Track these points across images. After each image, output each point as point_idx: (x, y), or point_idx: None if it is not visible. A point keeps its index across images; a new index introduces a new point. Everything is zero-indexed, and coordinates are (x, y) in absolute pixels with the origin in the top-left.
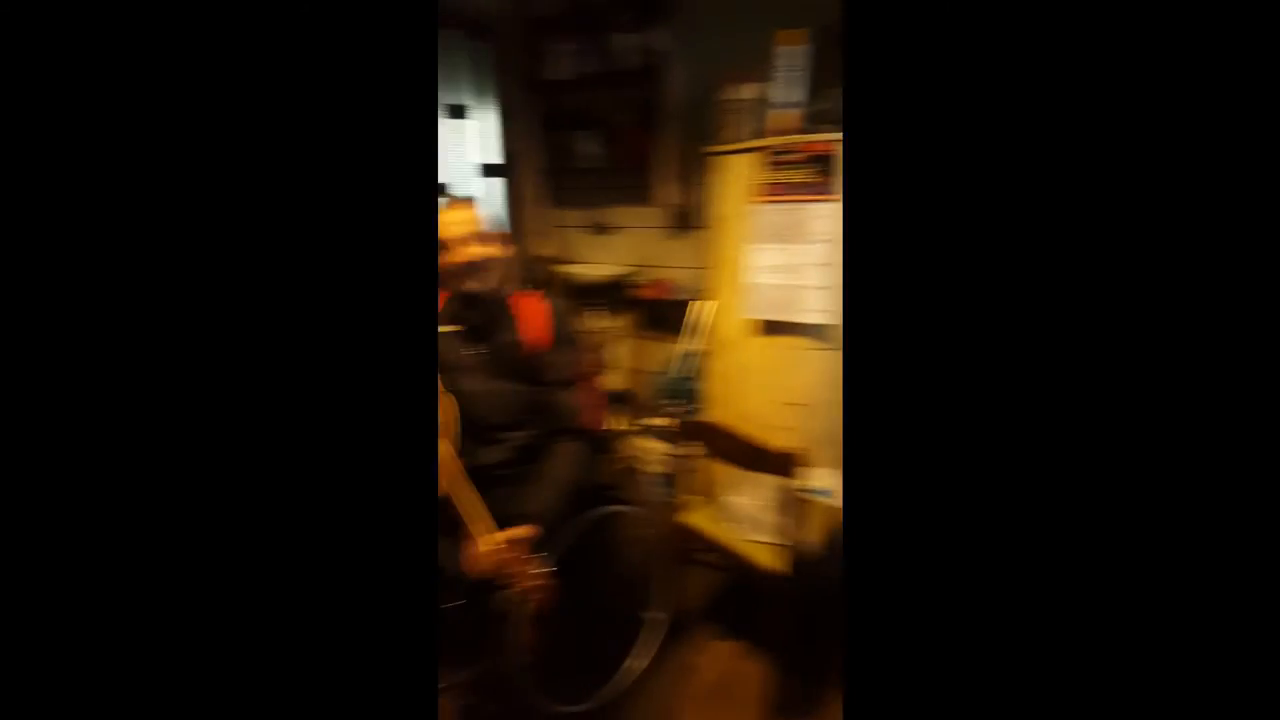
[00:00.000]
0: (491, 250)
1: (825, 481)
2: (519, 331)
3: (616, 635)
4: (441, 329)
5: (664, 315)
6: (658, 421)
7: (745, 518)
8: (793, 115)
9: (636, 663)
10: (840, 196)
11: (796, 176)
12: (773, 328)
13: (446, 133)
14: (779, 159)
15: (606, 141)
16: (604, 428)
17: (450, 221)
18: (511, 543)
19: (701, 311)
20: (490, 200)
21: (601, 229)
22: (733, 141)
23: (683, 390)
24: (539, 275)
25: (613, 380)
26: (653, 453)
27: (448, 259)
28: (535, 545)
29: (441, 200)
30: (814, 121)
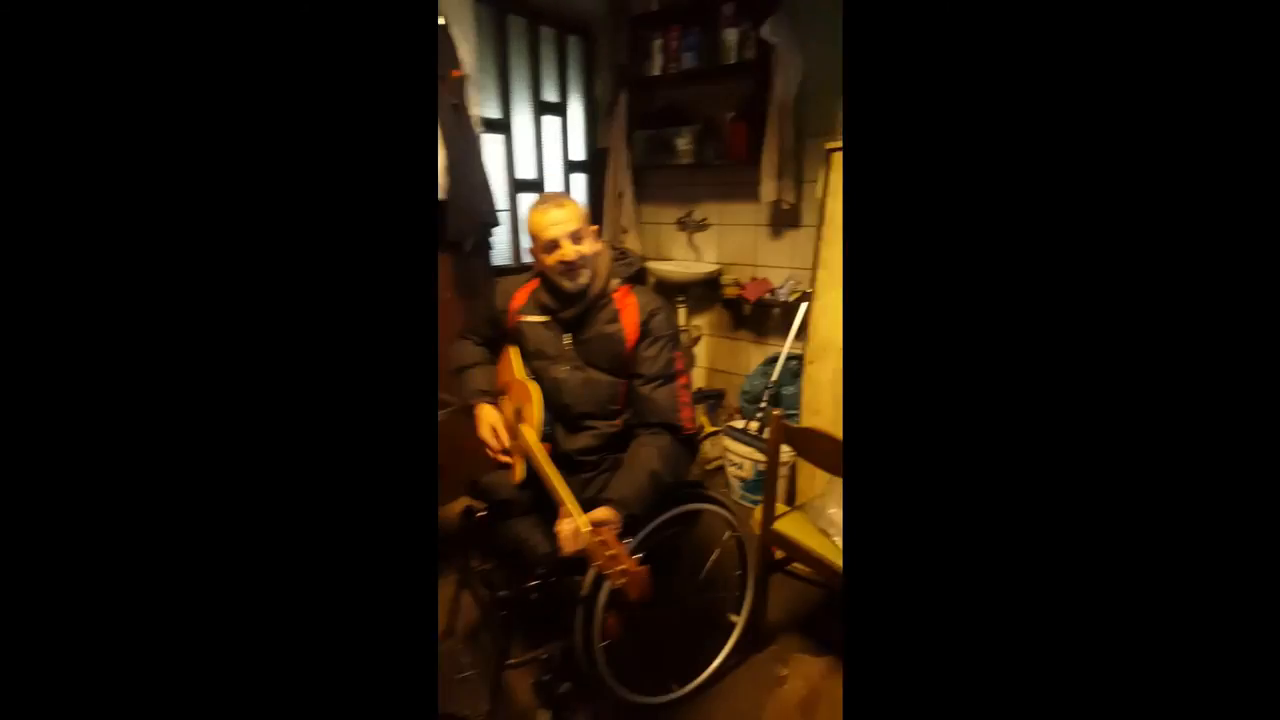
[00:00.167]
0: (591, 248)
1: None
2: (610, 324)
3: (697, 634)
4: (531, 318)
5: (761, 315)
6: (750, 424)
7: (839, 527)
8: None
9: (716, 664)
10: None
11: None
12: None
13: (541, 129)
14: None
15: (706, 136)
16: (693, 426)
17: (551, 222)
18: (596, 525)
19: (801, 313)
20: (583, 196)
21: (698, 225)
22: None
23: (777, 393)
24: (632, 271)
25: (704, 379)
26: (743, 455)
27: (548, 259)
28: (619, 533)
29: (538, 198)
30: None
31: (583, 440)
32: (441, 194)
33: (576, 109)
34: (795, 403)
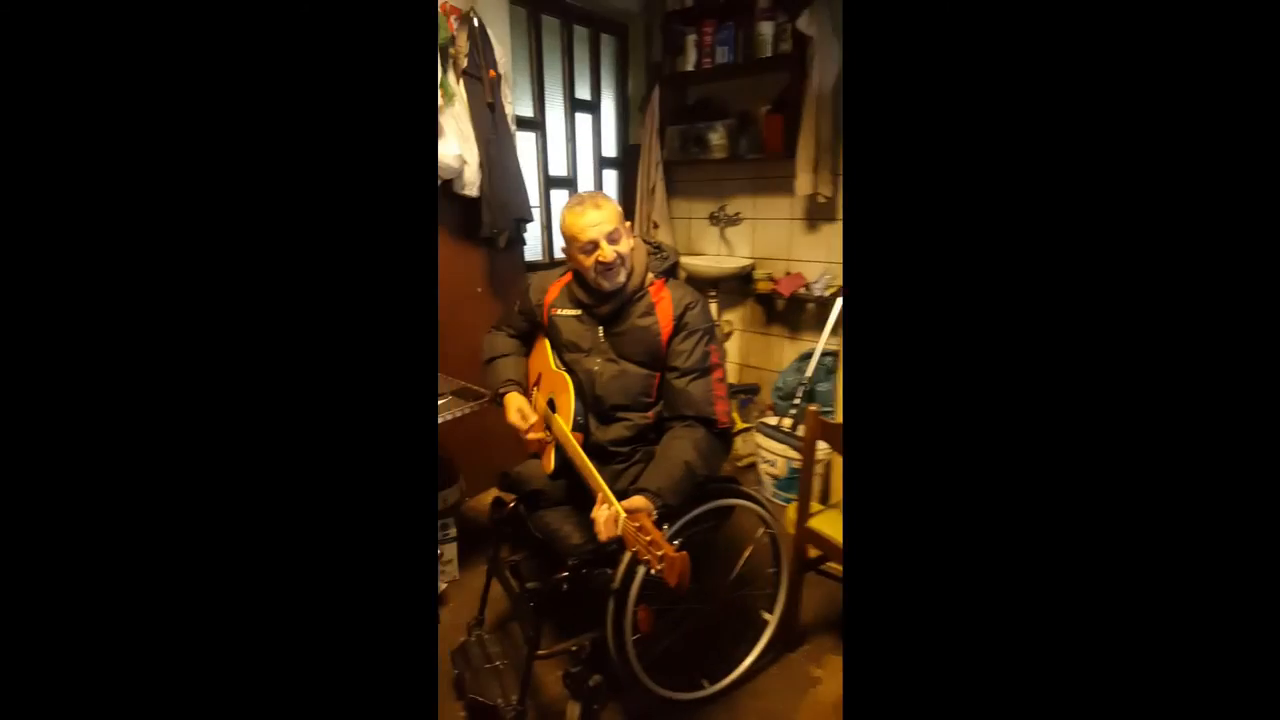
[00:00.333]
0: (629, 247)
1: None
2: (644, 317)
3: (730, 631)
4: (565, 312)
5: (795, 311)
6: (784, 420)
7: None
8: None
9: (749, 662)
10: None
11: None
12: None
13: (574, 126)
14: None
15: (740, 131)
16: (727, 420)
17: (590, 224)
18: (631, 514)
19: (837, 309)
20: (615, 192)
21: (731, 220)
22: None
23: (811, 390)
24: (667, 265)
25: (737, 375)
26: (776, 452)
27: (585, 260)
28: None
29: (574, 198)
30: None
31: (615, 432)
32: (475, 191)
33: (609, 106)
34: (829, 399)
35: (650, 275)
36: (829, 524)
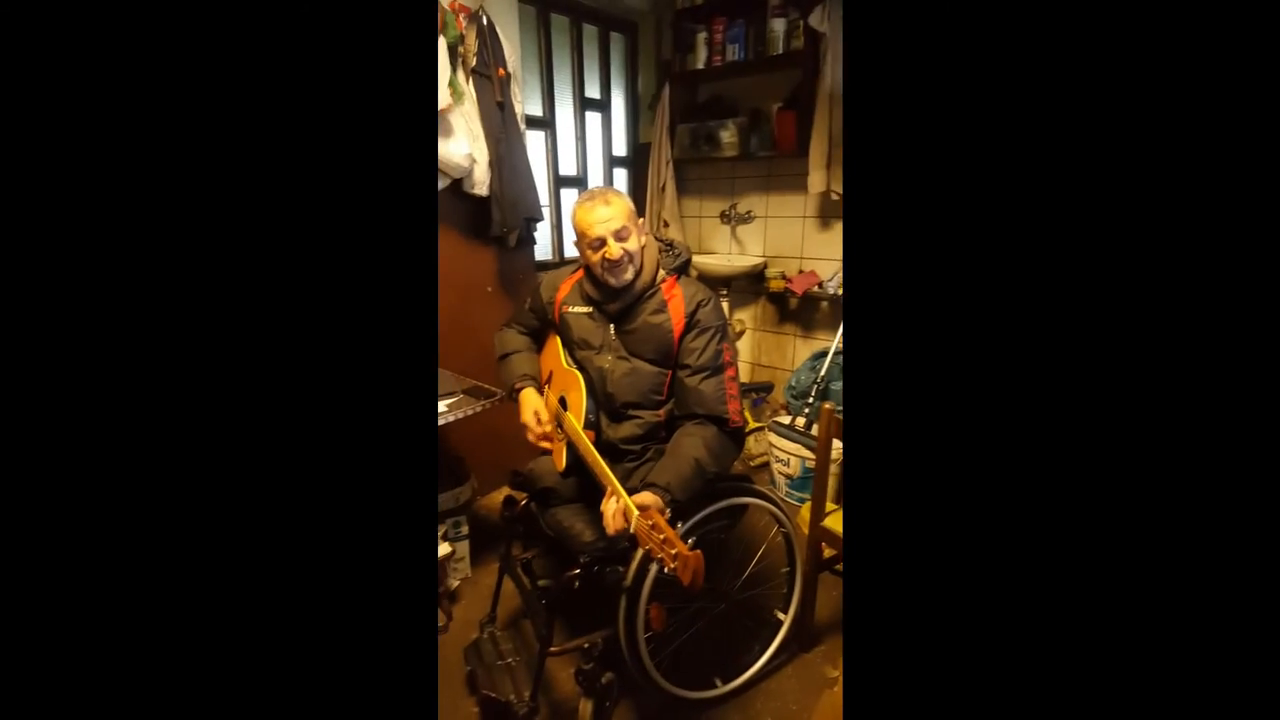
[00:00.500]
0: (637, 244)
1: None
2: (656, 315)
3: (743, 630)
4: (576, 309)
5: (808, 309)
6: (797, 420)
7: None
8: None
9: (762, 661)
10: None
11: None
12: None
13: (584, 125)
14: None
15: (751, 129)
16: (740, 419)
17: (597, 220)
18: (643, 511)
19: None
20: (626, 190)
21: (742, 218)
22: None
23: (825, 388)
24: (679, 262)
25: (749, 374)
26: (789, 451)
27: (593, 256)
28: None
29: (585, 193)
30: None
31: (626, 429)
32: (485, 190)
33: (619, 104)
34: (842, 399)
35: (662, 272)
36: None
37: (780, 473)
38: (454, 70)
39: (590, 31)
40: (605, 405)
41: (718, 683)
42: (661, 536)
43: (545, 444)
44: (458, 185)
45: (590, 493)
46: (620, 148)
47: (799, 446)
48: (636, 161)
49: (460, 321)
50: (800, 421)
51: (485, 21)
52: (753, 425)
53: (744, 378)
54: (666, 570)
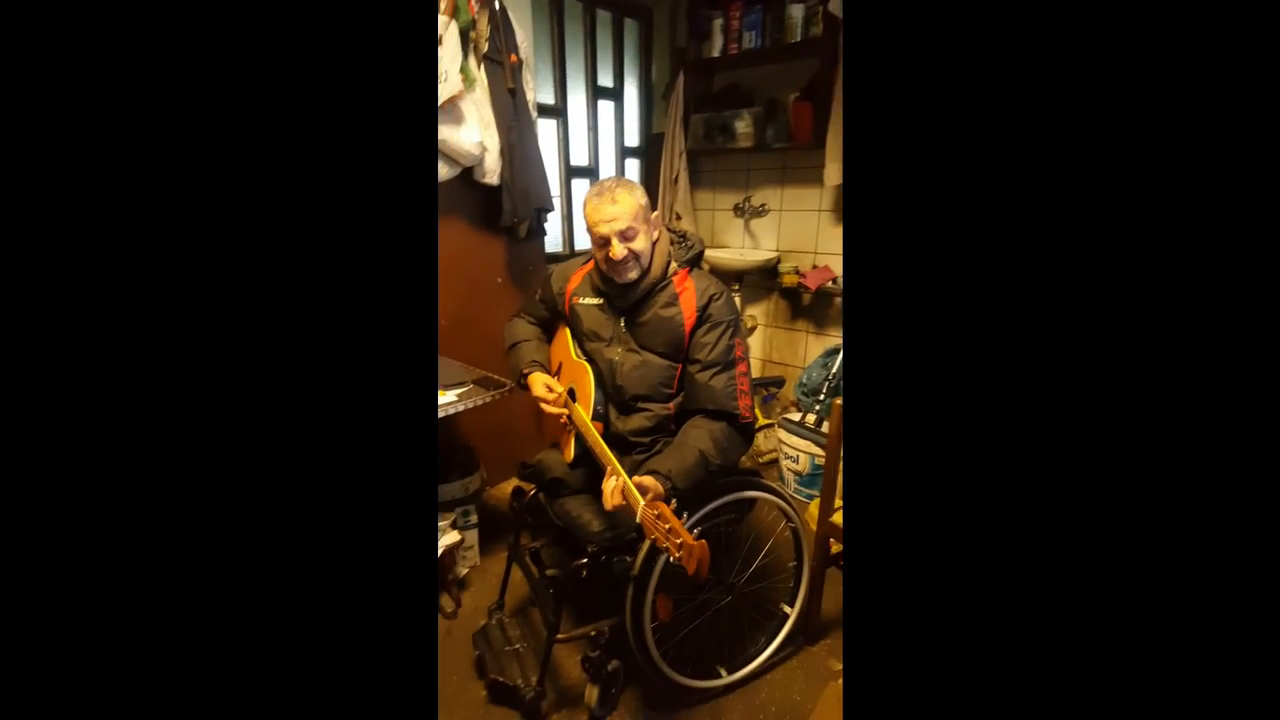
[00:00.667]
0: (646, 242)
1: None
2: (667, 308)
3: (749, 621)
4: (586, 301)
5: (821, 305)
6: (808, 417)
7: None
8: None
9: (768, 653)
10: None
11: None
12: None
13: (596, 114)
14: None
15: (766, 119)
16: (750, 415)
17: (603, 219)
18: (642, 492)
19: None
20: (639, 180)
21: (756, 211)
22: None
23: (837, 386)
24: (692, 254)
25: (760, 370)
26: (798, 448)
27: (598, 254)
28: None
29: (596, 185)
30: None
31: (635, 422)
32: (496, 179)
33: (632, 93)
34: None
35: (674, 265)
36: None
37: (789, 469)
38: (465, 56)
39: (604, 17)
40: (614, 398)
41: (723, 672)
42: (667, 526)
43: (559, 409)
44: (468, 174)
45: (598, 484)
46: (633, 138)
47: (809, 443)
48: (649, 152)
49: (469, 313)
50: (810, 419)
51: (498, 6)
52: (763, 422)
53: (755, 374)
54: (672, 560)
